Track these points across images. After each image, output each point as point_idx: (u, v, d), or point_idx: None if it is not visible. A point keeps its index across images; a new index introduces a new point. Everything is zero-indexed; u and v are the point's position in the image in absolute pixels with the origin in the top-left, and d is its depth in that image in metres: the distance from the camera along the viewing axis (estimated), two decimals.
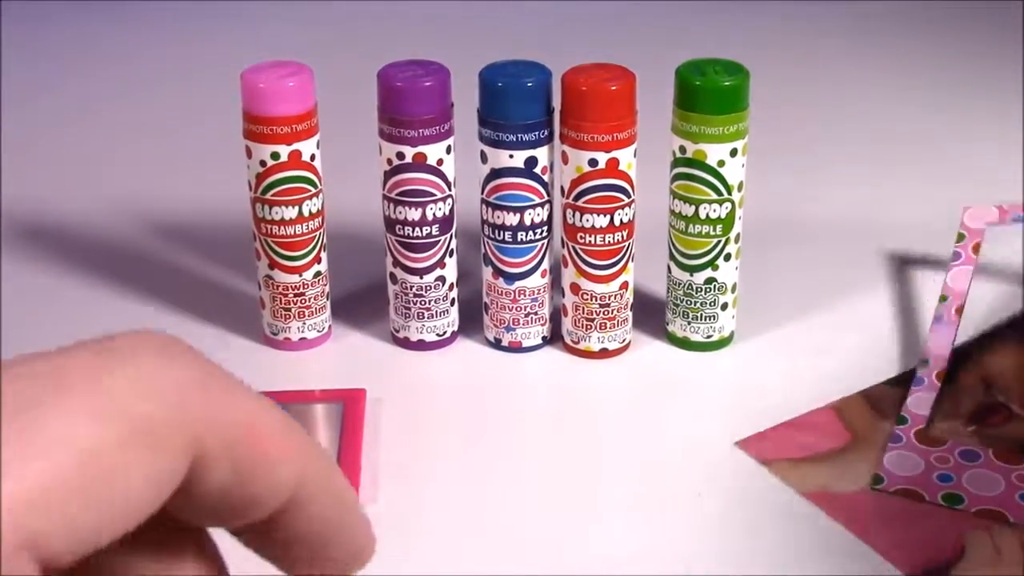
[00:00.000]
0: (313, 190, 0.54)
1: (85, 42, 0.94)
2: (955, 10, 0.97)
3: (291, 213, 0.53)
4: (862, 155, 0.76)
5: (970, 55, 0.90)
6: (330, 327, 0.57)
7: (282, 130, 0.52)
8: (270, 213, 0.53)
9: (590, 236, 0.53)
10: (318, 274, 0.55)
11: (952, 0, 0.98)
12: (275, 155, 0.52)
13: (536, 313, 0.55)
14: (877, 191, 0.72)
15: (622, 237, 0.53)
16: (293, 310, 0.55)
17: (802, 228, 0.67)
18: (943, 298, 0.55)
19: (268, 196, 0.53)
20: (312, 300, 0.55)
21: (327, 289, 0.56)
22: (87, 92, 0.86)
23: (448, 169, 0.53)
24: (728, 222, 0.53)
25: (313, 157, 0.53)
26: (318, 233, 0.55)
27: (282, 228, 0.54)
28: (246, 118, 0.52)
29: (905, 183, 0.72)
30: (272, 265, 0.54)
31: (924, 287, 0.61)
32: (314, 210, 0.54)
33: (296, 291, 0.55)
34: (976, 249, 0.57)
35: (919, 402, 0.51)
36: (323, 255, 0.55)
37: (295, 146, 0.52)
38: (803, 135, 0.78)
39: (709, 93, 0.51)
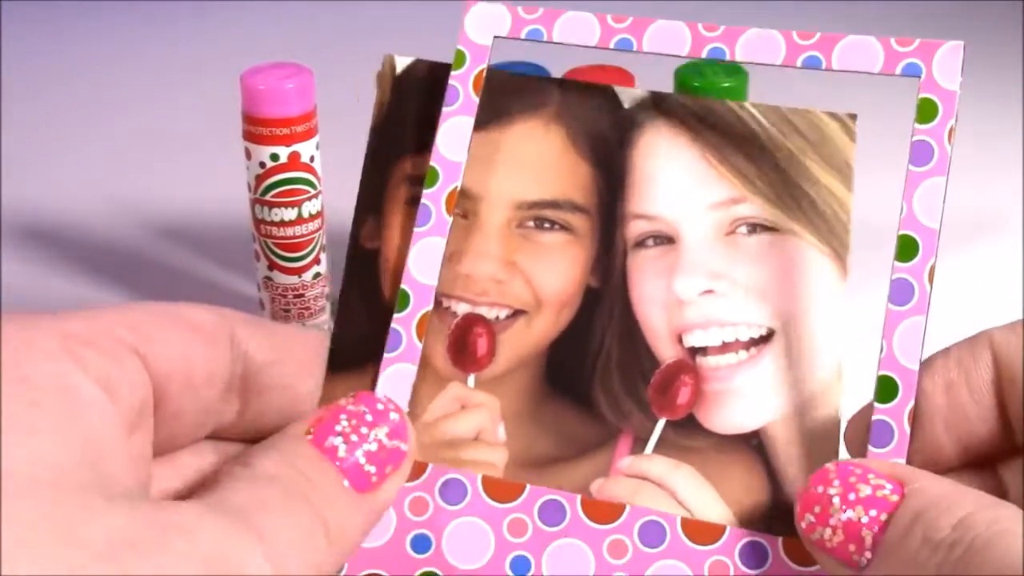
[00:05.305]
0: (312, 191, 0.54)
1: (85, 42, 0.94)
2: (955, 10, 0.97)
3: (290, 214, 0.53)
4: (861, 154, 0.76)
5: (970, 55, 0.90)
6: (330, 328, 0.57)
7: (281, 132, 0.52)
8: (269, 214, 0.53)
9: None
10: (317, 275, 0.55)
11: (952, 0, 0.98)
12: (274, 156, 0.52)
13: None
14: (876, 190, 0.71)
15: None
16: (292, 311, 0.55)
17: None
18: None
19: (267, 197, 0.53)
20: (312, 301, 0.55)
21: (327, 290, 0.56)
22: (87, 92, 0.86)
23: None
24: None
25: (312, 159, 0.53)
26: (318, 234, 0.55)
27: (281, 229, 0.54)
28: (245, 120, 0.52)
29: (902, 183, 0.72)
30: (271, 266, 0.55)
31: None
32: (313, 211, 0.54)
33: (296, 292, 0.55)
34: None
35: None
36: (323, 256, 0.55)
37: (294, 147, 0.52)
38: None
39: (708, 94, 0.51)
